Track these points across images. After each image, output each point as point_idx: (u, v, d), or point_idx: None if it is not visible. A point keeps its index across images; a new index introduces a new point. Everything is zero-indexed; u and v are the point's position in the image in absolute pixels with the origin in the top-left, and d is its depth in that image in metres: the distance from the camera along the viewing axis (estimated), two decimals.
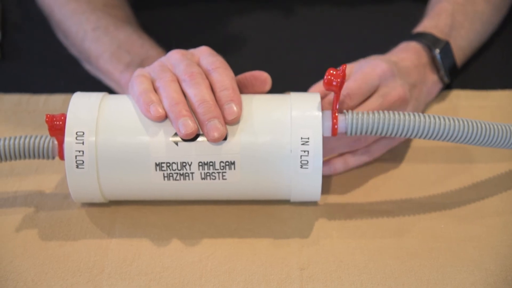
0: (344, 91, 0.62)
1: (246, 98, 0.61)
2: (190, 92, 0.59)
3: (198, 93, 0.59)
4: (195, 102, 0.59)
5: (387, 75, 0.65)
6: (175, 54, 0.63)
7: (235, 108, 0.59)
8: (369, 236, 0.62)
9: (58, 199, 0.65)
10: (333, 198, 0.65)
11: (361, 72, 0.64)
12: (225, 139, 0.58)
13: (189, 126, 0.58)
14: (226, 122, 0.59)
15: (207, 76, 0.61)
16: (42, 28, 0.84)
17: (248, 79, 0.64)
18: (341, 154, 0.66)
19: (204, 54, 0.63)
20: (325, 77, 0.58)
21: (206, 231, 0.62)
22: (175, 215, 0.64)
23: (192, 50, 0.64)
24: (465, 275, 0.58)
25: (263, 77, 0.64)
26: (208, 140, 0.58)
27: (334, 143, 0.64)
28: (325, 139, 0.61)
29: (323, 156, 0.61)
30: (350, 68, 0.66)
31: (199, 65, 0.62)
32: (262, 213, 0.64)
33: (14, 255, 0.60)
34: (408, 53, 0.71)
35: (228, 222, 0.63)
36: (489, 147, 0.62)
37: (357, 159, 0.66)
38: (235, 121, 0.59)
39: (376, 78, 0.64)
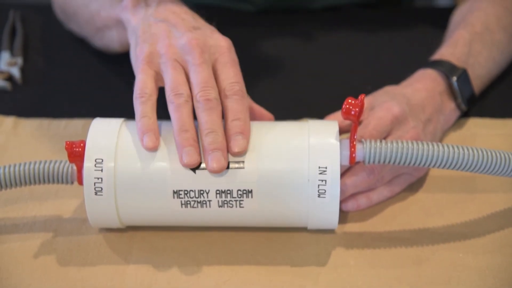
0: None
1: (263, 125, 0.62)
2: (201, 116, 0.59)
3: (209, 120, 0.59)
4: (204, 129, 0.59)
5: (399, 119, 0.65)
6: (194, 50, 0.62)
7: (242, 141, 0.59)
8: (387, 264, 0.61)
9: (76, 223, 0.65)
10: (350, 226, 0.65)
11: (373, 117, 0.64)
12: (243, 167, 0.59)
13: (193, 157, 0.58)
14: (232, 154, 0.59)
15: (222, 98, 0.61)
16: (64, 53, 0.86)
17: (256, 114, 0.66)
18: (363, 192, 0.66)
19: (223, 61, 0.63)
20: (343, 106, 0.58)
21: (223, 256, 0.62)
22: (192, 240, 0.64)
23: (211, 44, 0.63)
24: None
25: (268, 119, 0.67)
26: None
27: (350, 180, 0.64)
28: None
29: (341, 196, 0.61)
30: (367, 102, 0.66)
31: (216, 76, 0.62)
32: (279, 239, 0.64)
33: (32, 279, 0.60)
34: (424, 82, 0.71)
35: (245, 248, 0.63)
36: (509, 177, 0.61)
37: (380, 195, 0.66)
38: (241, 154, 0.59)
39: (388, 124, 0.64)
